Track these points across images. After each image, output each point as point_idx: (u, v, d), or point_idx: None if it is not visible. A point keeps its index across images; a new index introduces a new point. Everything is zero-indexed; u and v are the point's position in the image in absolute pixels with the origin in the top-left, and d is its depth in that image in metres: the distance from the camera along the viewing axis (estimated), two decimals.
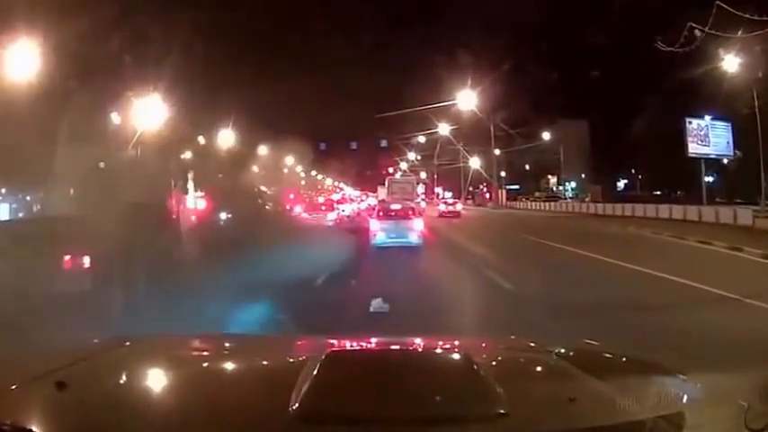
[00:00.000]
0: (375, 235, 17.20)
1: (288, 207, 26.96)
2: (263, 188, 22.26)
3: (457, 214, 37.28)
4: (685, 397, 1.75)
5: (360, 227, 20.96)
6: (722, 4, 21.13)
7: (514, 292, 9.60)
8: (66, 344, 3.10)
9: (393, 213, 18.65)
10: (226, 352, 2.41)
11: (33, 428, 1.30)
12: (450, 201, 43.70)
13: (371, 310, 7.50)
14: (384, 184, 41.40)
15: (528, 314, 7.63)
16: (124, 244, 8.32)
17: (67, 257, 7.79)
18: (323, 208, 30.58)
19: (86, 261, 7.91)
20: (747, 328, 6.71)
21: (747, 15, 21.21)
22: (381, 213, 18.80)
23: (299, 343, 2.63)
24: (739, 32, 22.83)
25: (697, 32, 23.10)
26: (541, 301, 8.46)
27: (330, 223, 25.57)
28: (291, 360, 2.25)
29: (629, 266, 12.53)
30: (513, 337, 2.79)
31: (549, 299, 8.57)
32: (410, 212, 18.80)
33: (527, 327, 6.68)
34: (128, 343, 2.23)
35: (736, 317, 7.46)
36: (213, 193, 19.40)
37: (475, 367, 1.66)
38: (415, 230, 17.20)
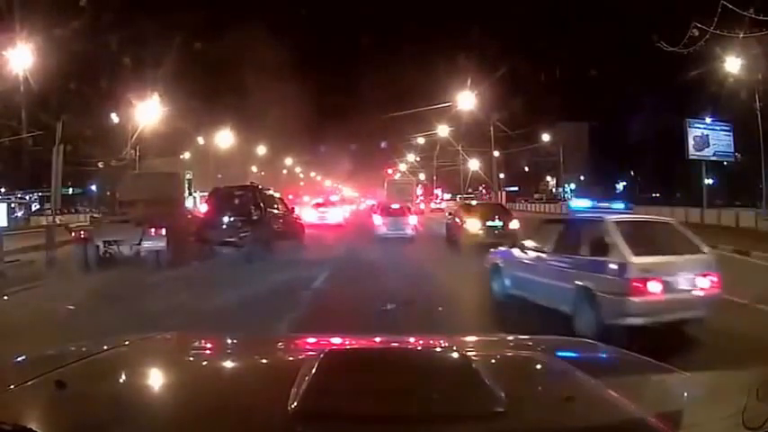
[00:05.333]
0: (378, 229, 21.16)
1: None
2: (272, 191, 20.48)
3: (442, 210, 47.94)
4: (683, 395, 1.75)
5: None
6: (727, 4, 21.03)
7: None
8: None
9: (392, 211, 22.48)
10: (225, 351, 2.42)
11: (33, 428, 1.30)
12: (438, 201, 58.67)
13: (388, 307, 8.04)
14: (383, 186, 41.51)
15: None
16: (175, 223, 14.83)
17: (152, 229, 14.01)
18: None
19: (163, 231, 14.00)
20: None
21: (751, 14, 21.06)
22: (382, 211, 22.67)
23: (297, 342, 2.64)
24: (741, 34, 22.71)
25: (696, 32, 22.98)
26: None
27: None
28: (290, 359, 2.25)
29: None
30: (511, 335, 2.79)
31: None
32: (407, 211, 22.83)
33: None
34: (127, 342, 2.24)
35: None
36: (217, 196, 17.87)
37: (473, 366, 1.66)
38: (410, 225, 21.54)
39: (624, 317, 6.09)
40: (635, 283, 6.11)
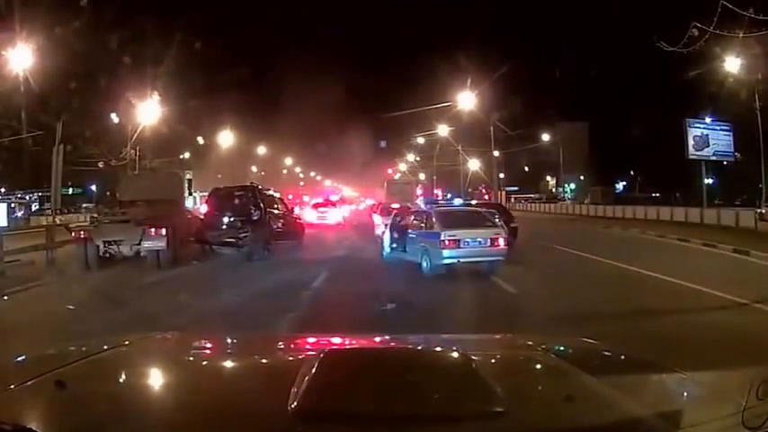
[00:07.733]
0: (378, 228, 21.40)
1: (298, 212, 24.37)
2: (272, 191, 20.49)
3: None
4: (683, 395, 1.75)
5: None
6: (727, 4, 21.00)
7: None
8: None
9: (392, 211, 22.23)
10: (225, 351, 2.42)
11: (33, 428, 1.30)
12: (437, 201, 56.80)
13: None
14: (383, 186, 41.54)
15: None
16: (175, 223, 14.84)
17: (152, 229, 14.12)
18: None
19: (163, 231, 14.08)
20: None
21: (750, 14, 21.02)
22: (382, 211, 23.07)
23: (297, 342, 2.64)
24: (741, 34, 22.68)
25: (696, 32, 22.94)
26: None
27: None
28: (290, 359, 2.25)
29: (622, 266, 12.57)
30: (511, 335, 2.79)
31: None
32: (406, 211, 22.29)
33: None
34: (127, 342, 2.24)
35: None
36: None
37: (473, 365, 1.66)
38: None
39: (442, 259, 11.36)
40: (445, 242, 11.32)
